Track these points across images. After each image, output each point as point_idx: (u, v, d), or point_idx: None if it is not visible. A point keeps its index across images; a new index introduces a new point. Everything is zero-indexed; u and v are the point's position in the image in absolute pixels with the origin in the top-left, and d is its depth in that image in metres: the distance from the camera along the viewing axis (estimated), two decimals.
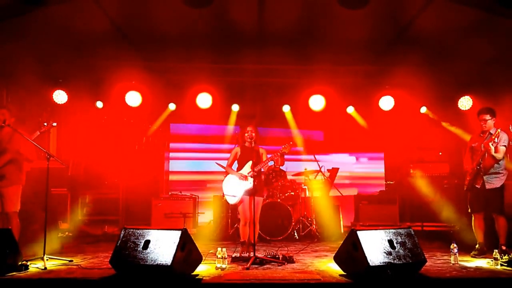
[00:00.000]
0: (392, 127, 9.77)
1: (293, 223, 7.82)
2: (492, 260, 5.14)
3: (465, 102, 8.41)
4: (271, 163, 6.14)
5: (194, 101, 8.83)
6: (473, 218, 6.04)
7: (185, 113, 9.67)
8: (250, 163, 5.90)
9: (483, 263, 5.33)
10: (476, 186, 5.90)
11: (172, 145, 10.63)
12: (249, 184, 5.83)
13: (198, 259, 4.87)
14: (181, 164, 10.63)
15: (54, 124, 5.69)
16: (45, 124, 5.59)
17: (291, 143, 5.92)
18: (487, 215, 5.95)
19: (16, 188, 5.70)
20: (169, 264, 4.26)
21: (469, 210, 6.07)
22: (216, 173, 9.52)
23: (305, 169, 8.82)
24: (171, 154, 10.50)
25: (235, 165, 6.19)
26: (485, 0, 5.98)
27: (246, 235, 5.93)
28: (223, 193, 6.19)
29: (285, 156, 8.15)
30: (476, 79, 8.18)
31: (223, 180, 6.16)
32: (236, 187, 5.93)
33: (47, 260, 5.12)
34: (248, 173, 5.87)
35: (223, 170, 6.73)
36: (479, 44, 6.93)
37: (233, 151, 6.18)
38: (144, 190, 8.82)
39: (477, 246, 5.91)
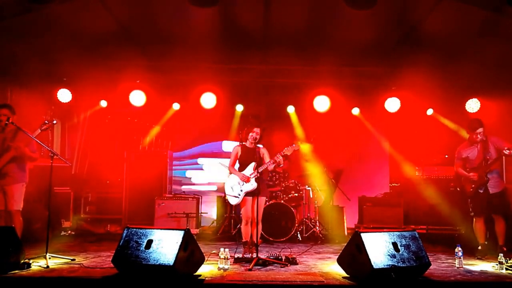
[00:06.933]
0: (398, 129, 9.70)
1: (297, 225, 7.77)
2: (497, 264, 5.09)
3: (473, 105, 8.36)
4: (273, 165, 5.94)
5: (198, 100, 8.83)
6: (474, 220, 6.13)
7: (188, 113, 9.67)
8: (253, 164, 5.85)
9: (488, 267, 5.27)
10: (480, 191, 6.00)
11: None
12: (251, 186, 5.78)
13: (200, 260, 4.85)
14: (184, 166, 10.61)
15: (55, 121, 5.70)
16: (46, 122, 5.58)
17: (294, 145, 5.69)
18: (488, 218, 6.05)
19: (19, 186, 5.69)
20: (171, 264, 4.24)
21: (471, 214, 6.13)
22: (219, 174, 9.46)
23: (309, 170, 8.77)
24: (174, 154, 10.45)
25: (236, 165, 6.10)
26: (493, 0, 5.92)
27: (247, 235, 5.88)
28: (225, 193, 6.13)
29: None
30: (484, 81, 8.10)
31: (225, 180, 6.09)
32: (238, 187, 5.87)
33: (49, 258, 5.09)
34: (251, 175, 5.81)
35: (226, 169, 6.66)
36: (488, 46, 6.88)
37: (233, 150, 6.06)
38: (147, 190, 8.80)
39: (479, 247, 5.96)
